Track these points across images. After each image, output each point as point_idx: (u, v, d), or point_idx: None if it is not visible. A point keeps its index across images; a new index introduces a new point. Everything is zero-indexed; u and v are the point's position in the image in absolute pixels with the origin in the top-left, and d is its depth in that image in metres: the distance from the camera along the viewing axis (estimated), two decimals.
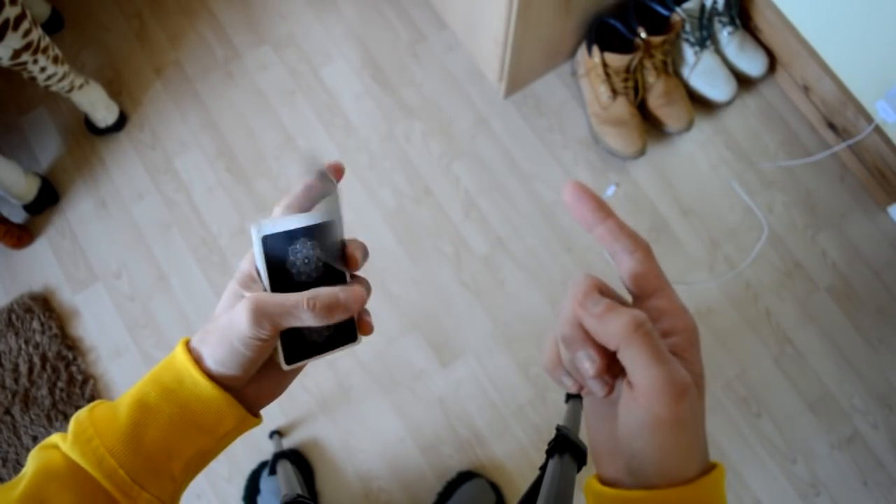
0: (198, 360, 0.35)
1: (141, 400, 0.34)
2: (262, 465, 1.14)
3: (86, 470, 0.32)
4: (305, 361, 0.37)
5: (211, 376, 0.34)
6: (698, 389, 0.30)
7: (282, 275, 0.35)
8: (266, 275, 0.35)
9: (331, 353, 0.38)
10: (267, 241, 0.35)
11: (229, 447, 1.24)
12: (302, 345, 0.37)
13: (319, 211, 0.38)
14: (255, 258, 0.36)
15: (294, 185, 0.38)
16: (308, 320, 0.34)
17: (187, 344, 0.35)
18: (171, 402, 0.34)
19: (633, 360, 0.27)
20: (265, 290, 0.35)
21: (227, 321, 0.34)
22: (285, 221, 0.36)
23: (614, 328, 0.27)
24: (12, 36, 0.98)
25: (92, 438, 0.33)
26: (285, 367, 0.36)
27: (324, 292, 0.34)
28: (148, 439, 0.33)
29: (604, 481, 0.31)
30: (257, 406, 0.38)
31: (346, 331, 0.38)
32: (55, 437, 0.34)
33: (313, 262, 0.36)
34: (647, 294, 0.31)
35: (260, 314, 0.33)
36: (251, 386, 0.37)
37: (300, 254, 0.36)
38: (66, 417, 1.17)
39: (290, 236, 0.36)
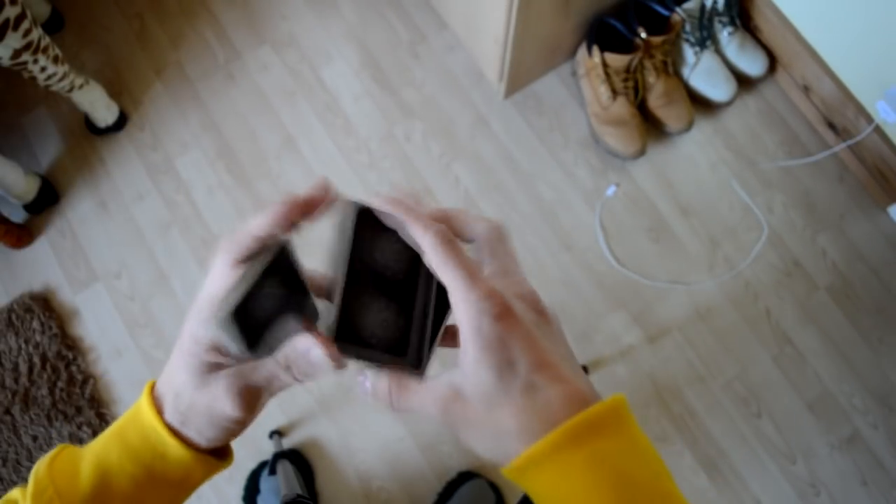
0: (161, 411, 0.32)
1: (104, 459, 0.32)
2: (262, 465, 1.14)
3: None
4: (350, 356, 0.32)
5: (177, 435, 0.32)
6: (526, 303, 0.29)
7: (364, 273, 0.30)
8: (345, 270, 0.29)
9: (380, 362, 0.32)
10: (362, 217, 0.29)
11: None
12: (355, 335, 0.31)
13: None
14: (334, 244, 0.29)
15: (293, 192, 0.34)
16: (294, 382, 0.31)
17: (152, 392, 0.33)
18: (135, 462, 0.32)
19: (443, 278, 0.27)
20: (340, 286, 0.29)
21: (207, 406, 0.31)
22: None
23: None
24: (12, 36, 0.98)
25: (52, 500, 0.31)
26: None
27: (295, 353, 0.30)
28: (111, 500, 0.32)
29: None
30: (224, 449, 0.36)
31: (409, 348, 0.32)
32: (16, 493, 0.32)
33: (403, 263, 0.30)
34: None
35: (247, 395, 0.30)
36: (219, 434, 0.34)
37: (395, 245, 0.30)
38: (66, 417, 1.17)
39: (383, 223, 0.30)
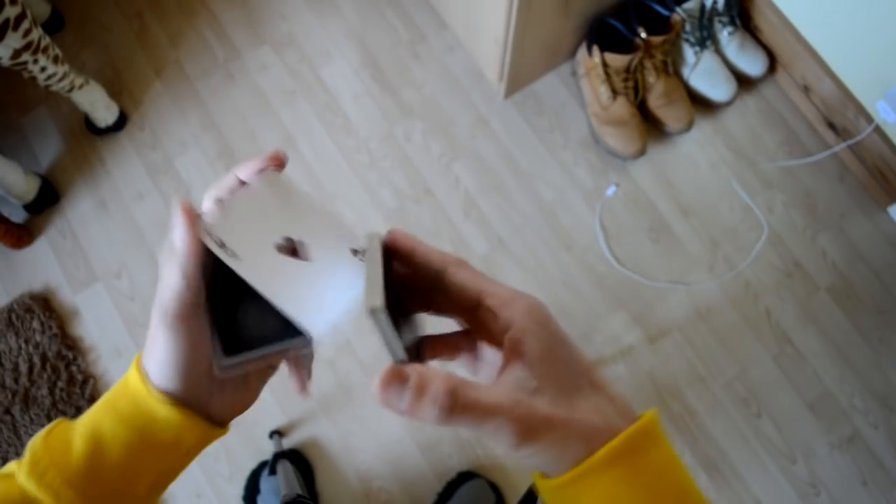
0: (148, 377, 0.33)
1: (96, 427, 0.33)
2: (262, 465, 1.14)
3: (42, 502, 0.31)
4: (245, 356, 0.33)
5: (164, 393, 0.33)
6: (580, 370, 0.29)
7: (225, 270, 0.32)
8: (206, 272, 0.31)
9: (277, 348, 0.33)
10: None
11: (230, 447, 1.23)
12: (242, 339, 0.33)
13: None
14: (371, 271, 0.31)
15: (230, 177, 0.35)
16: (175, 282, 0.31)
17: (139, 361, 0.34)
18: (127, 427, 0.33)
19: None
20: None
21: (158, 299, 0.32)
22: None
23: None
24: (12, 36, 0.98)
25: (48, 469, 0.32)
26: (223, 363, 0.32)
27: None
28: (106, 467, 0.32)
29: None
30: (224, 417, 0.36)
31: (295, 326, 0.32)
32: (11, 466, 0.33)
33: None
34: (474, 298, 0.30)
35: (160, 310, 0.31)
36: (210, 398, 0.35)
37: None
38: (67, 417, 1.17)
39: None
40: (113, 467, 0.33)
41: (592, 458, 0.26)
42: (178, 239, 0.30)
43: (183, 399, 0.33)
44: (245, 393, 0.37)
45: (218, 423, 0.35)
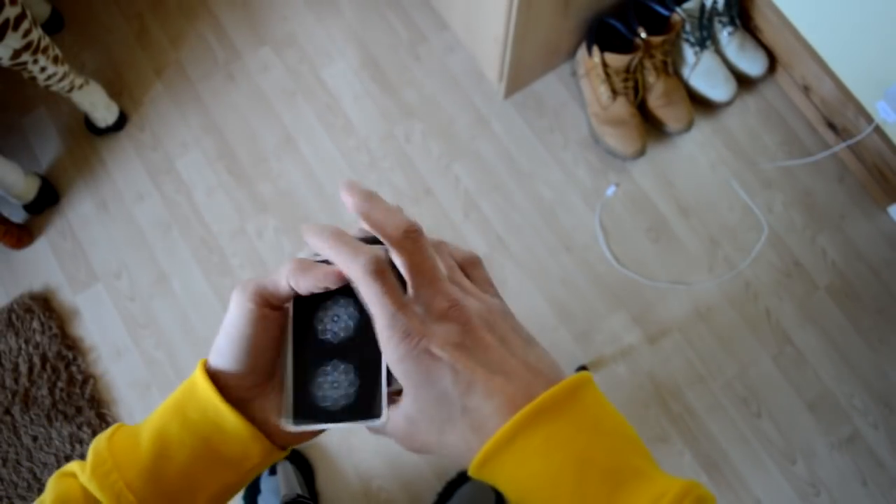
0: (216, 379, 0.33)
1: (163, 432, 0.32)
2: None
3: None
4: (313, 426, 0.33)
5: (223, 386, 0.33)
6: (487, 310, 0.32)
7: (307, 334, 0.34)
8: (290, 334, 0.34)
9: (345, 424, 0.34)
10: (298, 303, 0.34)
11: None
12: (313, 407, 0.34)
13: None
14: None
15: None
16: (288, 281, 0.32)
17: (205, 366, 0.33)
18: (194, 435, 0.32)
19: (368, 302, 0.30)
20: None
21: (228, 322, 0.33)
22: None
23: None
24: (12, 36, 0.98)
25: (111, 472, 0.31)
26: (289, 427, 0.33)
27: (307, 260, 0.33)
28: (170, 474, 0.32)
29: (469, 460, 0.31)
30: (280, 438, 0.35)
31: (367, 403, 0.34)
32: (74, 466, 0.33)
33: (342, 319, 0.34)
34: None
35: (245, 283, 0.32)
36: (268, 403, 0.34)
37: (330, 311, 0.34)
38: (66, 417, 1.17)
39: (326, 294, 0.34)
40: (176, 475, 0.32)
41: (483, 450, 0.29)
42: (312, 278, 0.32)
43: (238, 385, 0.33)
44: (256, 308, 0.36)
45: (275, 440, 0.35)
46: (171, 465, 0.32)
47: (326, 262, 0.32)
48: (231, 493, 0.35)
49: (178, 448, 0.32)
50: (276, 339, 0.34)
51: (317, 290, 0.32)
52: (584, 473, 0.28)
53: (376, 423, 0.33)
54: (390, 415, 0.32)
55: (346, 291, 0.33)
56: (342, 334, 0.34)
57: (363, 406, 0.33)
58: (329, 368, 0.33)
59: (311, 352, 0.33)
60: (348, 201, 0.30)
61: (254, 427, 0.33)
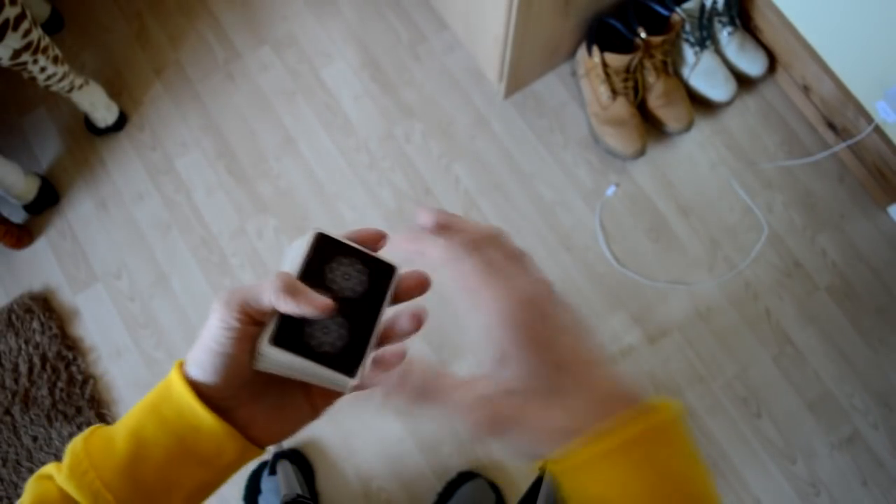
0: (192, 385, 0.33)
1: (138, 432, 0.33)
2: (263, 465, 1.14)
3: None
4: (289, 356, 0.33)
5: (200, 394, 0.33)
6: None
7: (316, 277, 0.34)
8: (301, 266, 0.34)
9: (319, 368, 0.34)
10: (320, 240, 0.35)
11: None
12: (296, 340, 0.33)
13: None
14: (297, 255, 0.34)
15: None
16: (272, 299, 0.32)
17: (182, 368, 0.34)
18: (169, 434, 0.33)
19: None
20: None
21: (206, 325, 0.33)
22: (349, 242, 0.36)
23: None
24: (12, 36, 0.98)
25: (87, 471, 0.32)
26: (266, 350, 0.32)
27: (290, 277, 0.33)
28: (146, 473, 0.32)
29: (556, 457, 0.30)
30: (259, 438, 0.36)
31: (347, 361, 0.34)
32: (50, 468, 0.33)
33: (354, 279, 0.35)
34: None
35: (229, 297, 0.32)
36: (247, 409, 0.35)
37: (343, 268, 0.35)
38: (66, 417, 1.17)
39: (345, 251, 0.35)
40: (152, 474, 0.32)
41: (585, 451, 0.28)
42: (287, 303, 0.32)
43: (218, 396, 0.33)
44: (282, 417, 0.36)
45: (254, 440, 0.35)
46: (148, 464, 0.32)
47: (310, 268, 0.34)
48: (208, 491, 0.35)
49: (154, 447, 0.32)
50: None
51: (297, 315, 0.32)
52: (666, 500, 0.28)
53: (347, 382, 0.34)
54: (464, 384, 0.31)
55: (363, 258, 0.35)
56: (347, 293, 0.35)
57: (344, 362, 0.34)
58: (329, 323, 0.34)
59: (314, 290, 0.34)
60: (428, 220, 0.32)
61: (228, 424, 0.33)
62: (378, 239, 0.37)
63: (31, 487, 0.32)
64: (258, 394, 0.35)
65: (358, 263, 0.35)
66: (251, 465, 1.15)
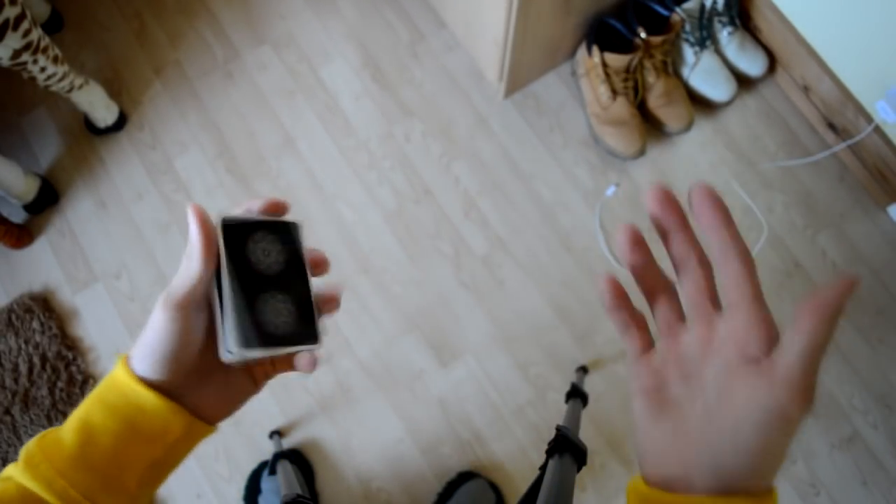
0: (136, 373, 0.35)
1: (85, 420, 0.34)
2: (263, 465, 1.14)
3: (37, 494, 0.33)
4: (260, 351, 0.35)
5: (150, 385, 0.34)
6: None
7: (243, 265, 0.35)
8: (226, 260, 0.35)
9: (284, 349, 0.36)
10: (228, 227, 0.35)
11: (230, 447, 1.23)
12: (259, 333, 0.35)
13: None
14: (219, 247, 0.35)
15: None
16: (185, 272, 0.34)
17: (126, 361, 0.36)
18: (115, 418, 0.34)
19: (798, 339, 0.25)
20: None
21: (148, 326, 0.35)
22: (250, 215, 0.36)
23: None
24: (12, 36, 0.98)
25: (41, 463, 0.33)
26: (235, 352, 0.34)
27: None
28: (96, 456, 0.34)
29: (652, 482, 0.29)
30: (209, 418, 0.38)
31: (307, 330, 0.37)
32: (9, 469, 0.34)
33: (273, 253, 0.36)
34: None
35: (165, 296, 0.34)
36: (194, 395, 0.37)
37: (259, 244, 0.36)
38: (66, 417, 1.17)
39: (252, 227, 0.36)
40: (103, 457, 0.34)
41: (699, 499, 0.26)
42: (193, 233, 0.33)
43: (165, 388, 0.35)
44: (228, 397, 0.39)
45: (203, 420, 0.37)
46: (98, 449, 0.34)
47: (233, 258, 0.35)
48: (162, 470, 0.36)
49: (102, 432, 0.34)
50: (200, 339, 0.36)
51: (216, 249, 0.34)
52: None
53: (314, 348, 0.36)
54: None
55: (269, 227, 0.36)
56: (275, 267, 0.36)
57: (303, 332, 0.36)
58: (268, 297, 0.35)
59: (249, 282, 0.35)
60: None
61: (171, 402, 0.35)
62: (279, 207, 0.38)
63: None
64: (203, 379, 0.37)
65: (268, 234, 0.37)
66: (251, 466, 1.15)
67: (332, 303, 0.39)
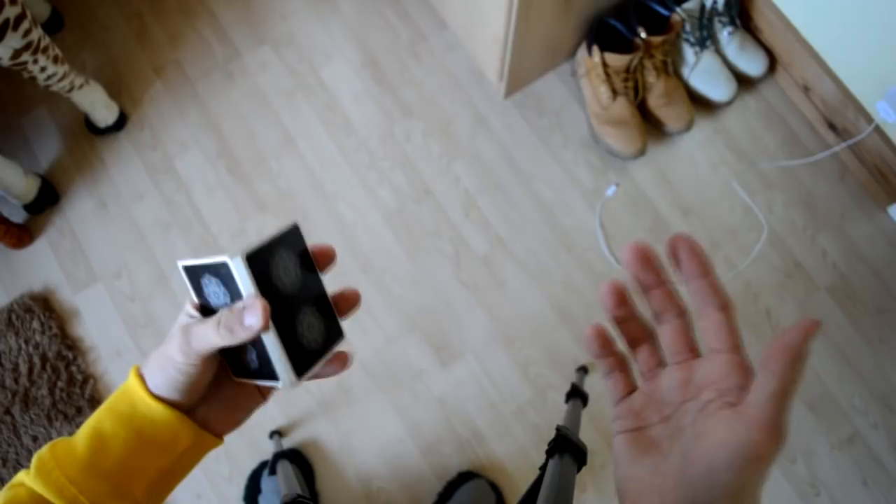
0: (147, 385, 0.37)
1: (97, 429, 0.36)
2: (263, 465, 1.14)
3: (48, 500, 0.34)
4: (313, 370, 0.37)
5: (161, 399, 0.36)
6: None
7: (275, 297, 0.35)
8: (253, 286, 0.34)
9: (327, 355, 0.38)
10: (252, 260, 0.34)
11: (230, 447, 1.23)
12: (305, 355, 0.37)
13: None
14: (240, 285, 0.34)
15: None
16: (221, 340, 0.34)
17: (139, 372, 0.37)
18: (126, 428, 0.36)
19: (768, 381, 0.26)
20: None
21: (163, 349, 0.36)
22: (259, 242, 0.35)
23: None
24: (12, 36, 0.98)
25: (52, 470, 0.34)
26: (296, 384, 0.36)
27: (226, 311, 0.34)
28: (106, 464, 0.35)
29: None
30: (217, 430, 0.39)
31: (333, 327, 0.39)
32: (21, 475, 0.35)
33: (291, 270, 0.37)
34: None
35: (186, 343, 0.34)
36: (203, 409, 0.38)
37: (280, 265, 0.36)
38: (66, 417, 1.17)
39: (270, 251, 0.36)
40: (113, 465, 0.35)
41: None
42: (253, 321, 0.33)
43: (176, 402, 0.36)
44: (236, 409, 0.40)
45: (211, 432, 0.38)
46: (108, 456, 0.35)
47: (261, 285, 0.34)
48: (170, 479, 0.38)
49: (113, 441, 0.35)
50: (215, 369, 0.37)
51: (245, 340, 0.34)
52: None
53: (342, 341, 0.38)
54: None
55: (281, 242, 0.36)
56: (297, 282, 0.37)
57: (332, 334, 0.38)
58: (301, 317, 0.37)
59: (284, 312, 0.36)
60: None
61: (181, 413, 0.36)
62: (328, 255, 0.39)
63: (4, 495, 0.35)
64: (213, 394, 0.38)
65: (283, 250, 0.37)
66: (251, 466, 1.15)
67: (352, 300, 0.40)
